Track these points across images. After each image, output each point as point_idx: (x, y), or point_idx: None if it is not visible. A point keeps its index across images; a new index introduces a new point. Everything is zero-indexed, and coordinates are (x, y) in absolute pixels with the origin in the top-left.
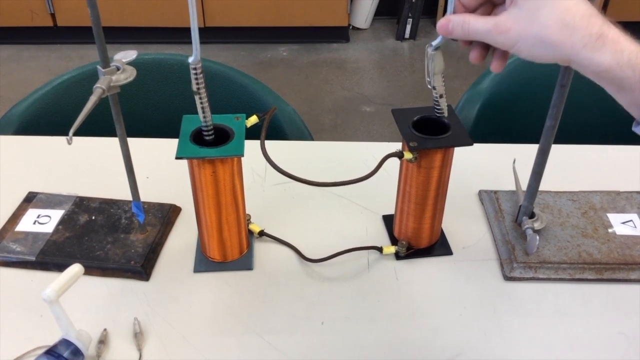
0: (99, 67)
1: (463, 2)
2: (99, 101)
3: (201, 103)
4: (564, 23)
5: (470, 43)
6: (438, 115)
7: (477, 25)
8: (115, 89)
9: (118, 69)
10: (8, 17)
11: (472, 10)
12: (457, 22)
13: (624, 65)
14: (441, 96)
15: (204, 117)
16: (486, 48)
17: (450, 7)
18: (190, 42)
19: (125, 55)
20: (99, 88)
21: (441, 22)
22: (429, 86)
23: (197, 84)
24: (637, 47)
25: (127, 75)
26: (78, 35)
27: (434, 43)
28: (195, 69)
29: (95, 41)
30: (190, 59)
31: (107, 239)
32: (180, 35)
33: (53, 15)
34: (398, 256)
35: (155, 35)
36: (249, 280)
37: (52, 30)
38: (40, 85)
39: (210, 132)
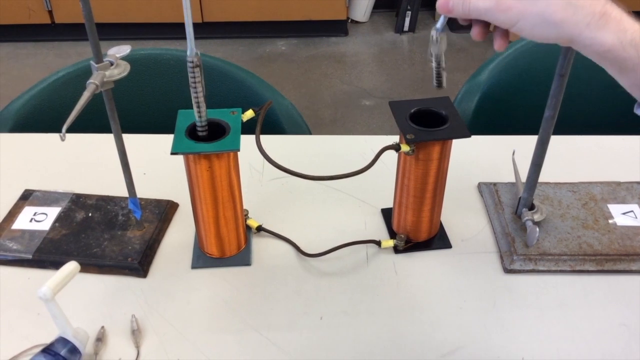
0: (92, 62)
1: None
2: (93, 97)
3: (196, 98)
4: (567, 1)
5: (470, 21)
6: (437, 84)
7: (478, 3)
8: (109, 84)
9: (111, 64)
10: (5, 15)
11: None
12: (457, 0)
13: (627, 45)
14: (440, 63)
15: (199, 112)
16: (487, 25)
17: None
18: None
19: (119, 50)
20: (92, 84)
21: (441, 1)
22: (429, 57)
23: (193, 77)
24: None
25: (121, 71)
26: (76, 32)
27: (439, 25)
28: (191, 62)
29: (88, 36)
30: (187, 52)
31: (104, 236)
32: (178, 31)
33: (50, 12)
34: (397, 250)
35: (152, 31)
36: (247, 276)
37: (49, 28)
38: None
39: (204, 128)
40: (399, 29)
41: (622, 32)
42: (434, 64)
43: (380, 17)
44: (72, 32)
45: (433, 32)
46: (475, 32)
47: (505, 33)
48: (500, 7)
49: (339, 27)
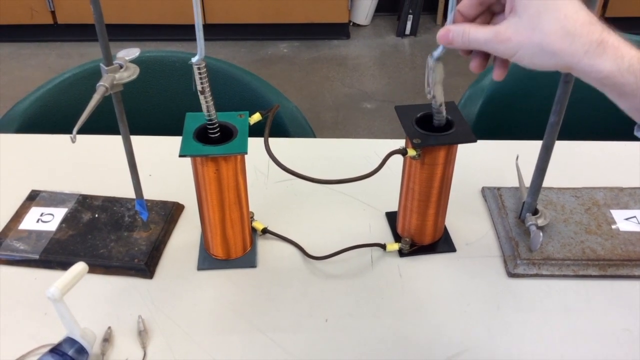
0: (102, 65)
1: (462, 11)
2: (102, 99)
3: (206, 102)
4: (565, 31)
5: (470, 52)
6: (437, 123)
7: (477, 34)
8: (118, 87)
9: (121, 67)
10: (8, 15)
11: (472, 20)
12: (457, 32)
13: (624, 71)
14: (441, 105)
15: (209, 115)
16: (486, 57)
17: (450, 18)
18: (190, 39)
19: (128, 53)
20: (102, 86)
21: (441, 33)
22: (428, 96)
23: (202, 83)
24: (637, 52)
25: (130, 73)
26: (78, 32)
27: (435, 54)
28: (199, 68)
29: (97, 39)
30: (194, 59)
31: (111, 237)
32: (181, 32)
33: (53, 13)
34: (402, 253)
35: (156, 33)
36: (253, 277)
37: (52, 28)
38: (41, 83)
39: (215, 130)
40: (401, 33)
41: (619, 59)
42: (433, 102)
43: (381, 20)
44: (74, 32)
45: (429, 59)
46: (474, 65)
47: (505, 63)
48: (499, 38)
49: (340, 30)
